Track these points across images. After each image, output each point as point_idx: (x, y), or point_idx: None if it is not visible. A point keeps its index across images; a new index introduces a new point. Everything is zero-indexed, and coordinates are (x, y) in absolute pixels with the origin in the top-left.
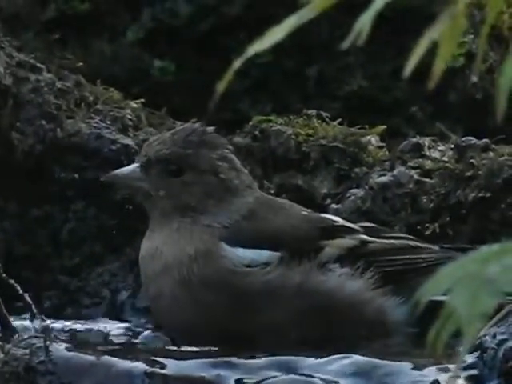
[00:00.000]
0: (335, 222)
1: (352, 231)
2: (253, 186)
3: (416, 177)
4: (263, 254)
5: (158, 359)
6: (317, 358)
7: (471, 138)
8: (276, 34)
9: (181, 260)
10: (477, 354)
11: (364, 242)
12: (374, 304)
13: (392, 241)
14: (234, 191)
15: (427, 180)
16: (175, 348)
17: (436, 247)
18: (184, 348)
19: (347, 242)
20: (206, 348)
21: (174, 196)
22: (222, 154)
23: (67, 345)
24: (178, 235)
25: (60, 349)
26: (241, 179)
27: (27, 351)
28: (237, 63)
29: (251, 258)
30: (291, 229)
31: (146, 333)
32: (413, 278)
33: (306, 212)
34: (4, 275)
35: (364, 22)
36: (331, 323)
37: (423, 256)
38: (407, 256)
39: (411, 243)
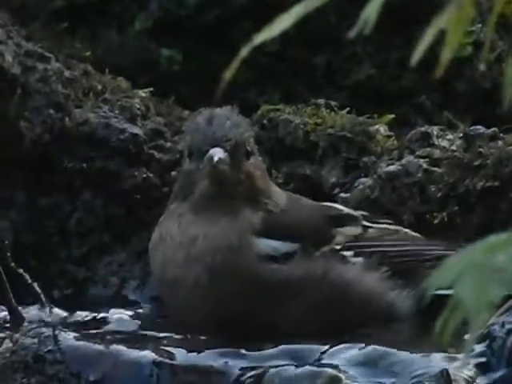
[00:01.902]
0: (341, 210)
1: (356, 219)
2: None
3: (424, 166)
4: (289, 245)
5: (166, 348)
6: (325, 347)
7: (479, 127)
8: (283, 23)
9: (219, 248)
10: (485, 343)
11: (365, 228)
12: (387, 293)
13: (385, 225)
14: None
15: (435, 169)
16: (183, 337)
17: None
18: (192, 337)
19: (354, 229)
20: (214, 337)
21: (249, 180)
22: None
23: (75, 334)
24: (224, 225)
25: (68, 338)
26: None
27: (36, 340)
28: (244, 51)
29: (277, 249)
30: (309, 219)
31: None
32: (419, 265)
33: (312, 201)
34: (12, 264)
35: (370, 10)
36: (348, 313)
37: (426, 246)
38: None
39: (399, 227)
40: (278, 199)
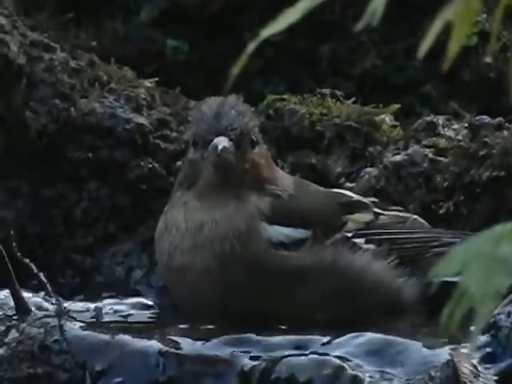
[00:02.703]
0: (351, 197)
1: (366, 206)
2: None
3: (430, 156)
4: (301, 232)
5: (172, 338)
6: (331, 336)
7: (485, 116)
8: (289, 17)
9: (227, 234)
10: (491, 332)
11: (376, 215)
12: (395, 281)
13: (396, 212)
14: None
15: (441, 159)
16: (189, 326)
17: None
18: (198, 326)
19: (365, 216)
20: (221, 326)
21: (254, 169)
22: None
23: (81, 324)
24: (231, 211)
25: (74, 328)
26: None
27: (42, 330)
28: (251, 46)
29: (289, 236)
30: (319, 205)
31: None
32: (427, 252)
33: (320, 188)
34: (18, 254)
35: (377, 3)
36: (356, 301)
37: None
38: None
39: (410, 214)
40: (285, 184)
